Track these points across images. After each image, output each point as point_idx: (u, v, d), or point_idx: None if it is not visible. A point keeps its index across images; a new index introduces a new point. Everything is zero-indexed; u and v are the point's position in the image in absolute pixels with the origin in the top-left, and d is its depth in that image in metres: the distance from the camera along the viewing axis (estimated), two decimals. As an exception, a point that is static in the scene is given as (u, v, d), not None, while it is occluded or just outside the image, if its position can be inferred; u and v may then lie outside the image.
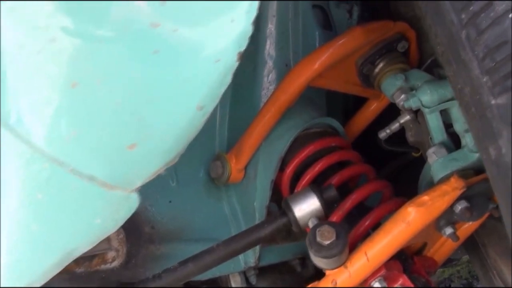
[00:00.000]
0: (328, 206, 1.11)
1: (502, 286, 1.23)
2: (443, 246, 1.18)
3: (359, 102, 1.38)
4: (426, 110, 1.06)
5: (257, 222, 1.23)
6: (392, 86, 1.14)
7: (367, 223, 1.13)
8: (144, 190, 1.18)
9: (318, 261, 1.02)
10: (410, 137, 1.15)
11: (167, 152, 0.71)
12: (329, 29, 1.41)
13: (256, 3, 0.66)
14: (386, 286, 1.05)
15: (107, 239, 1.10)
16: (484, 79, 0.71)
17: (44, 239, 0.71)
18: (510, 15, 0.67)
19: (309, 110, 1.29)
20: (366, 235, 1.09)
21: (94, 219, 0.72)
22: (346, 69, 1.23)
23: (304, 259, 1.39)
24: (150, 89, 0.67)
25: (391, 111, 1.20)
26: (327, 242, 1.00)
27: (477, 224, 1.13)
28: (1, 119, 0.66)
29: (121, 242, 1.12)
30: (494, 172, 0.74)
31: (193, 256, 1.05)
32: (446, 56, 0.78)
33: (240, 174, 1.28)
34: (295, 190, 1.23)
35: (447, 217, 1.03)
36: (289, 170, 1.24)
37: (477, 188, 1.01)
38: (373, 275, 1.06)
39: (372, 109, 1.36)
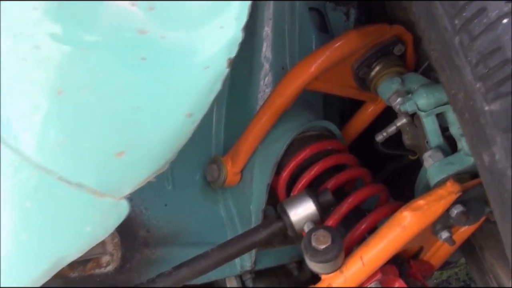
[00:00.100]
0: (323, 210, 1.11)
1: (498, 288, 1.23)
2: (439, 250, 1.18)
3: (356, 105, 1.38)
4: (422, 114, 1.06)
5: (253, 225, 1.22)
6: (388, 90, 1.13)
7: (363, 227, 1.12)
8: (140, 194, 1.19)
9: (314, 265, 1.02)
10: (406, 140, 1.15)
11: (156, 159, 0.71)
12: (326, 32, 1.41)
13: (246, 9, 0.66)
14: (382, 290, 1.05)
15: (102, 243, 1.09)
16: (478, 85, 0.71)
17: (34, 247, 0.71)
18: (503, 21, 0.67)
19: (305, 113, 1.29)
20: (362, 239, 1.09)
21: (83, 226, 0.72)
22: (342, 72, 1.23)
23: (301, 263, 1.38)
24: (138, 96, 0.66)
25: (388, 114, 1.20)
26: (322, 247, 0.99)
27: (473, 228, 1.13)
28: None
29: (116, 246, 1.12)
30: (487, 178, 0.74)
31: (188, 261, 1.05)
32: (439, 62, 0.78)
33: (236, 177, 1.28)
34: (292, 194, 1.23)
35: (443, 221, 1.03)
36: (285, 174, 1.24)
37: (473, 192, 1.01)
38: (369, 279, 1.06)
39: (368, 112, 1.36)
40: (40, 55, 0.61)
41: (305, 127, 1.26)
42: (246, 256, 1.24)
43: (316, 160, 1.23)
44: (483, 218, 1.06)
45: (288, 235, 1.14)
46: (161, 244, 1.20)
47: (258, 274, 1.33)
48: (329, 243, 0.99)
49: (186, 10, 0.65)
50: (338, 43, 1.19)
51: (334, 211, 1.15)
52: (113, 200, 0.71)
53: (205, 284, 1.22)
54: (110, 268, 1.11)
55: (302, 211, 1.09)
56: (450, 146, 1.07)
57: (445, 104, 1.04)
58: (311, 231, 1.01)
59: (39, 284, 0.75)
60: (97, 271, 1.10)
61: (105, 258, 1.11)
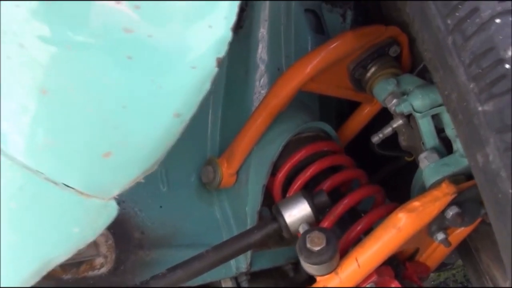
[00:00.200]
0: (319, 212, 1.11)
1: (494, 289, 1.22)
2: (435, 252, 1.18)
3: (353, 106, 1.38)
4: (417, 115, 1.05)
5: (248, 227, 1.22)
6: (383, 91, 1.13)
7: (358, 228, 1.12)
8: (134, 195, 1.19)
9: (308, 267, 1.02)
10: (402, 141, 1.15)
11: (145, 160, 0.70)
12: (322, 33, 1.41)
13: (235, 8, 0.65)
14: (378, 292, 1.04)
15: (95, 245, 1.09)
16: (471, 86, 0.70)
17: (20, 248, 0.70)
18: (496, 21, 0.66)
19: (301, 114, 1.29)
20: (358, 241, 1.08)
21: (71, 227, 0.71)
22: (338, 74, 1.22)
23: (297, 264, 1.38)
24: (124, 96, 0.65)
25: (385, 116, 1.20)
26: (317, 248, 0.99)
27: (469, 230, 1.12)
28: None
29: (110, 248, 1.11)
30: (481, 179, 0.74)
31: (182, 262, 1.04)
32: (433, 62, 0.78)
33: (231, 179, 1.28)
34: (287, 195, 1.22)
35: (439, 223, 1.03)
36: (281, 175, 1.24)
37: (468, 194, 1.00)
38: (364, 281, 1.05)
39: (365, 113, 1.35)
40: (24, 54, 0.61)
41: (300, 128, 1.25)
42: (241, 257, 1.24)
43: (312, 161, 1.22)
44: (478, 220, 1.05)
45: (284, 237, 1.13)
46: (156, 246, 1.19)
47: (253, 276, 1.33)
48: (323, 244, 0.99)
49: (173, 9, 0.64)
50: (334, 44, 1.18)
51: (330, 212, 1.14)
52: (101, 201, 0.70)
53: (200, 286, 1.21)
54: (104, 270, 1.11)
55: (297, 213, 1.09)
56: (445, 147, 1.06)
57: (440, 105, 1.03)
58: (306, 233, 1.01)
59: (27, 286, 0.74)
60: (91, 273, 1.09)
61: (99, 260, 1.10)
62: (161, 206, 1.24)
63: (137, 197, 1.19)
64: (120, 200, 1.13)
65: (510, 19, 0.66)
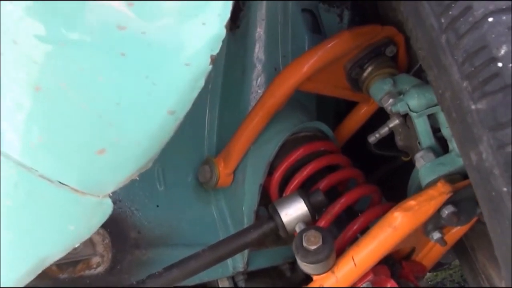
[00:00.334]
0: (315, 211, 1.11)
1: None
2: (431, 251, 1.18)
3: (350, 105, 1.38)
4: (413, 115, 1.05)
5: (245, 226, 1.22)
6: (380, 91, 1.14)
7: (355, 227, 1.12)
8: (131, 195, 1.19)
9: (305, 266, 1.02)
10: (399, 141, 1.15)
11: (139, 157, 0.70)
12: (319, 33, 1.41)
13: (229, 6, 0.65)
14: (374, 291, 1.04)
15: (92, 244, 1.09)
16: (464, 84, 0.71)
17: (15, 246, 0.70)
18: (488, 20, 0.67)
19: (298, 114, 1.29)
20: (354, 240, 1.09)
21: (66, 225, 0.71)
22: (335, 73, 1.22)
23: (294, 264, 1.38)
24: (118, 93, 0.65)
25: (381, 115, 1.20)
26: (313, 247, 0.99)
27: (465, 229, 1.12)
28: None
29: (106, 247, 1.11)
30: (475, 177, 0.74)
31: (178, 262, 1.04)
32: (427, 61, 0.78)
33: (228, 178, 1.28)
34: (284, 194, 1.22)
35: (435, 222, 1.03)
36: (278, 175, 1.24)
37: (464, 193, 1.00)
38: (360, 280, 1.06)
39: (361, 113, 1.36)
40: (17, 50, 0.61)
41: (297, 128, 1.25)
42: (238, 257, 1.24)
43: (309, 161, 1.22)
44: (474, 219, 1.06)
45: (281, 236, 1.13)
46: (153, 245, 1.19)
47: (250, 275, 1.33)
48: (320, 243, 0.99)
49: (166, 6, 0.64)
50: (331, 44, 1.19)
51: (326, 212, 1.15)
52: (96, 199, 0.70)
53: (197, 285, 1.22)
54: (100, 269, 1.11)
55: (293, 212, 1.09)
56: (441, 147, 1.06)
57: (436, 105, 1.04)
58: (302, 232, 1.01)
59: (23, 284, 0.74)
60: (87, 272, 1.09)
61: (95, 259, 1.10)
62: (157, 206, 1.24)
63: (134, 197, 1.20)
64: (117, 199, 1.14)
65: (503, 17, 0.67)
